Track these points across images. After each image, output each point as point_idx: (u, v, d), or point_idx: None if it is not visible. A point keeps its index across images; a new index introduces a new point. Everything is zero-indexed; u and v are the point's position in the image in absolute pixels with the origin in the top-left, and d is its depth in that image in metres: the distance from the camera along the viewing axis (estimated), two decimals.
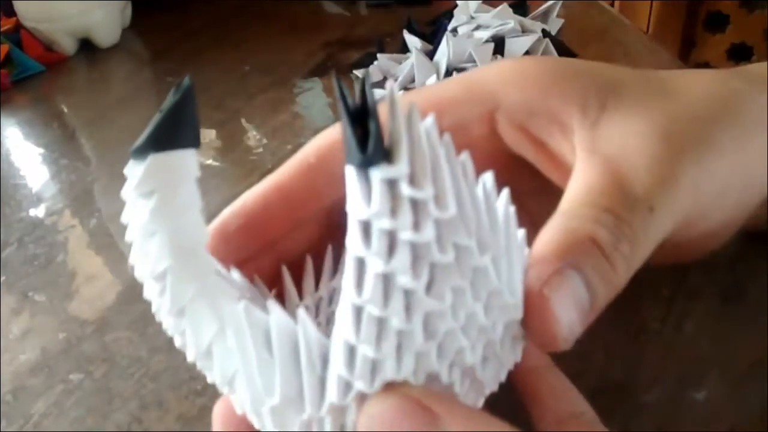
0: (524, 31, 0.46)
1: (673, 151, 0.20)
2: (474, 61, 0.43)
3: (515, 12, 0.47)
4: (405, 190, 0.14)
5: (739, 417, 0.23)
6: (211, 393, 0.27)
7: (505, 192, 0.17)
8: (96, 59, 0.58)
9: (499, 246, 0.16)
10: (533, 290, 0.17)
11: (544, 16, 0.49)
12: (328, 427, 0.16)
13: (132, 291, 0.33)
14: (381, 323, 0.14)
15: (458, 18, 0.48)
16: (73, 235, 0.37)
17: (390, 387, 0.15)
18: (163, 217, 0.15)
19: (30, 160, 0.46)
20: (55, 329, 0.31)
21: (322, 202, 0.23)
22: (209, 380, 0.17)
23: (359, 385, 0.15)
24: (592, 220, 0.19)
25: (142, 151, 0.15)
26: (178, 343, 0.17)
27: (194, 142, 0.15)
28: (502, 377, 0.18)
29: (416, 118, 0.14)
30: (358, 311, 0.14)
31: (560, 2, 0.50)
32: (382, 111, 0.14)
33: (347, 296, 0.14)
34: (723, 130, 0.21)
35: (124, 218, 0.16)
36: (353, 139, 0.14)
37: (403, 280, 0.14)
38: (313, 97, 0.47)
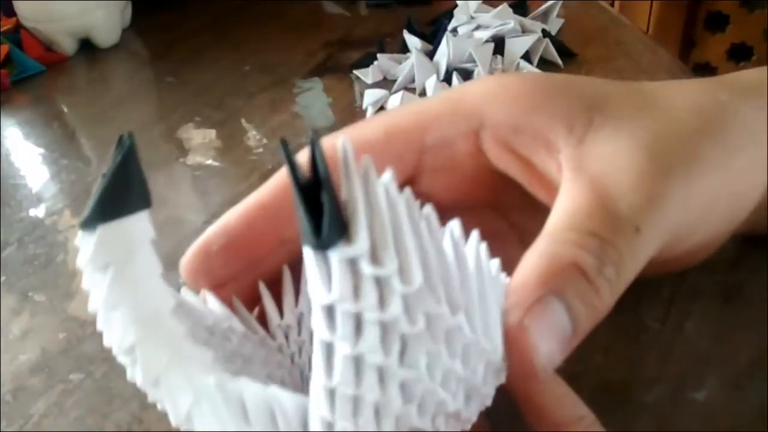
0: (524, 31, 0.46)
1: (660, 168, 0.20)
2: (474, 61, 0.43)
3: (515, 12, 0.48)
4: (366, 269, 0.13)
5: (739, 417, 0.23)
6: None
7: (475, 234, 0.17)
8: (96, 59, 0.58)
9: (472, 299, 0.15)
10: (512, 322, 0.17)
11: (544, 16, 0.49)
12: None
13: None
14: (355, 400, 0.14)
15: (458, 18, 0.48)
16: (73, 235, 0.37)
17: None
18: (122, 290, 0.14)
19: (30, 160, 0.46)
20: (55, 329, 0.31)
21: None
22: None
23: None
24: (576, 245, 0.18)
25: (90, 223, 0.14)
26: (160, 408, 0.16)
27: (144, 204, 0.14)
28: (488, 402, 0.18)
29: (373, 177, 0.13)
30: (331, 393, 0.14)
31: (560, 2, 0.50)
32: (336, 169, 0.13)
33: (318, 379, 0.14)
34: (710, 145, 0.21)
35: (84, 287, 0.15)
36: (306, 219, 0.13)
37: (374, 358, 0.14)
38: (313, 97, 0.47)
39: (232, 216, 0.22)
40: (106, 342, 0.16)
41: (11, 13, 0.58)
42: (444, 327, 0.15)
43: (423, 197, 0.22)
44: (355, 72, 0.48)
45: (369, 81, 0.46)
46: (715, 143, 0.21)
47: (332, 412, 0.14)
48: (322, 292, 0.13)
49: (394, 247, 0.13)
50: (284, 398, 0.15)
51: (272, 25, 0.59)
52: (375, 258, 0.13)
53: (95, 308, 0.15)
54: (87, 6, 0.56)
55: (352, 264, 0.13)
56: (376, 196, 0.13)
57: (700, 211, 0.21)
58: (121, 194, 0.14)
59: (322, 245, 0.13)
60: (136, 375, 0.15)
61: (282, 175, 0.23)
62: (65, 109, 0.52)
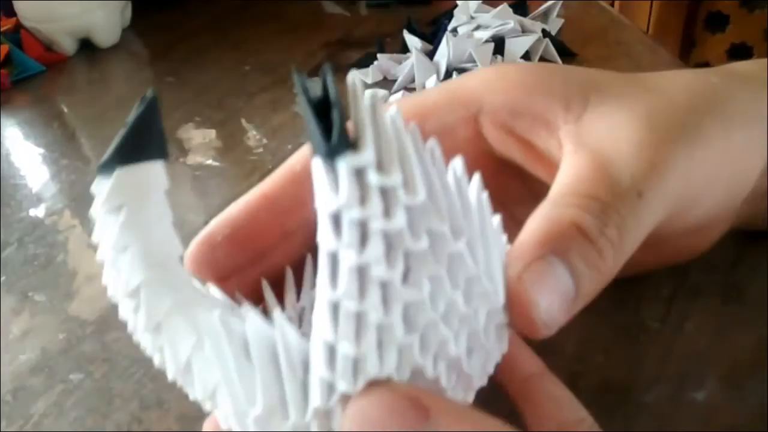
0: (524, 31, 0.46)
1: (661, 138, 0.20)
2: (474, 61, 0.43)
3: (515, 12, 0.47)
4: (373, 177, 0.13)
5: (739, 417, 0.23)
6: None
7: (476, 178, 0.17)
8: (96, 59, 0.58)
9: (474, 230, 0.16)
10: (512, 276, 0.17)
11: (544, 16, 0.49)
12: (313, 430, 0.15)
13: None
14: (359, 318, 0.14)
15: (458, 18, 0.48)
16: (73, 235, 0.37)
17: (374, 385, 0.15)
18: (133, 231, 0.15)
19: (30, 160, 0.46)
20: (55, 329, 0.31)
21: (308, 211, 0.22)
22: (191, 397, 0.17)
23: (342, 386, 0.14)
24: (577, 207, 0.18)
25: (108, 166, 0.14)
26: (157, 361, 0.16)
27: (161, 154, 0.15)
28: (490, 369, 0.18)
29: (380, 107, 0.14)
30: (335, 307, 0.14)
31: (560, 2, 0.50)
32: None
33: (323, 294, 0.14)
34: (708, 120, 0.21)
35: (95, 238, 0.16)
36: (317, 129, 0.13)
37: (378, 270, 0.14)
38: None
39: (236, 207, 0.22)
40: (111, 290, 0.16)
41: (11, 13, 0.58)
42: (447, 251, 0.15)
43: None
44: (355, 72, 0.48)
45: (369, 81, 0.46)
46: (713, 119, 0.22)
47: (335, 331, 0.14)
48: (330, 197, 0.13)
49: (399, 163, 0.14)
50: (290, 336, 0.15)
51: (272, 25, 0.59)
52: (381, 169, 0.14)
53: (103, 256, 0.15)
54: (87, 6, 0.56)
55: (359, 174, 0.13)
56: (383, 120, 0.14)
57: (702, 183, 0.21)
58: (141, 141, 0.14)
59: (331, 153, 0.13)
60: (137, 323, 0.15)
61: (285, 167, 0.23)
62: (65, 109, 0.52)
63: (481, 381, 0.18)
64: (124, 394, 0.27)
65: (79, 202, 0.40)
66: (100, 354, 0.29)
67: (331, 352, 0.14)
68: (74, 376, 0.29)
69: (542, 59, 0.46)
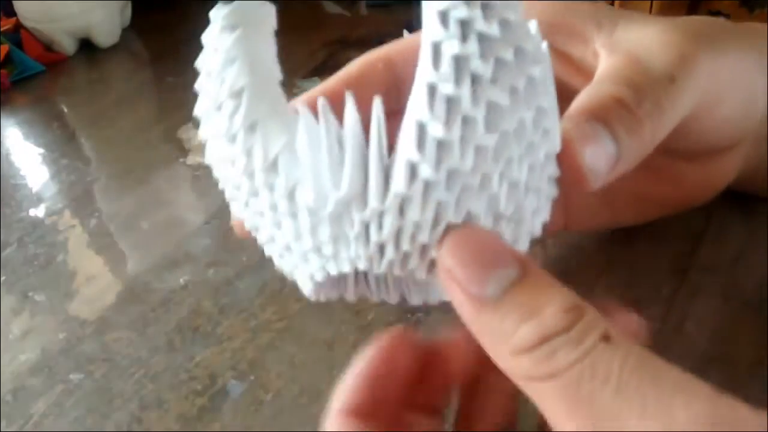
0: None
1: (687, 39, 0.23)
2: None
3: None
4: None
5: None
6: (211, 393, 0.27)
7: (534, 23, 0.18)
8: (96, 59, 0.58)
9: (545, 69, 0.17)
10: (564, 129, 0.19)
11: None
12: (386, 226, 0.16)
13: (132, 291, 0.33)
14: (451, 102, 0.15)
15: None
16: (73, 235, 0.37)
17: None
18: (245, 45, 0.17)
19: (30, 160, 0.46)
20: (55, 329, 0.31)
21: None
22: (259, 208, 0.18)
23: (425, 171, 0.15)
24: (617, 84, 0.21)
25: None
26: (242, 153, 0.17)
27: (273, 3, 0.18)
28: (544, 217, 0.19)
29: None
30: (432, 89, 0.15)
31: None
32: None
33: (422, 77, 0.15)
34: (725, 35, 0.24)
35: (199, 63, 0.18)
36: None
37: (475, 64, 0.15)
38: None
39: (314, 90, 0.24)
40: (207, 104, 0.17)
41: (11, 13, 0.58)
42: (526, 72, 0.16)
43: None
44: None
45: None
46: (729, 36, 0.24)
47: (430, 112, 0.15)
48: None
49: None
50: (382, 124, 0.16)
51: None
52: None
53: (210, 69, 0.17)
54: (87, 6, 0.56)
55: None
56: None
57: (724, 82, 0.23)
58: None
59: None
60: (233, 121, 0.17)
61: (366, 59, 0.25)
62: (65, 109, 0.52)
63: (533, 228, 0.18)
64: (124, 394, 0.27)
65: (79, 202, 0.40)
66: (100, 354, 0.29)
67: (422, 132, 0.15)
68: (74, 376, 0.29)
69: None
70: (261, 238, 0.19)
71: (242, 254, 0.33)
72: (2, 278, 0.35)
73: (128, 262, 0.35)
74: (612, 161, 0.20)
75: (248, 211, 0.18)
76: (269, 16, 0.18)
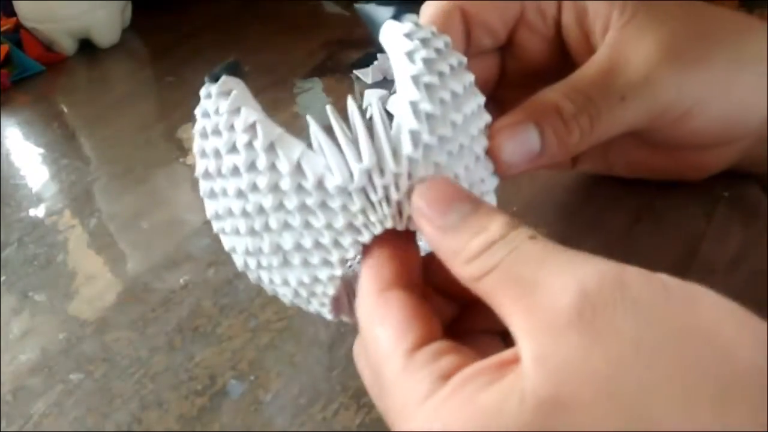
0: None
1: (668, 60, 0.25)
2: None
3: None
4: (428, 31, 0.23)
5: None
6: (211, 393, 0.27)
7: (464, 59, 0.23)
8: (96, 59, 0.58)
9: (470, 91, 0.22)
10: (495, 127, 0.23)
11: None
12: (402, 186, 0.20)
13: (132, 291, 0.33)
14: (430, 88, 0.21)
15: None
16: (73, 235, 0.37)
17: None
18: (243, 99, 0.21)
19: (30, 160, 0.46)
20: (55, 329, 0.31)
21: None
22: (281, 219, 0.21)
23: (425, 137, 0.20)
24: (563, 95, 0.25)
25: (216, 75, 0.22)
26: (261, 183, 0.21)
27: (243, 77, 0.23)
28: (491, 183, 0.24)
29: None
30: (416, 79, 0.21)
31: None
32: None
33: (404, 73, 0.21)
34: (717, 48, 0.26)
35: (197, 130, 0.22)
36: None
37: (438, 64, 0.21)
38: (313, 97, 0.47)
39: None
40: (222, 143, 0.21)
41: (11, 13, 0.58)
42: (464, 82, 0.22)
43: (517, 48, 0.29)
44: (355, 72, 0.48)
45: (369, 81, 0.46)
46: (721, 45, 0.26)
47: (419, 92, 0.20)
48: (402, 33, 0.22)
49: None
50: (382, 110, 0.20)
51: (272, 25, 0.59)
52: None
53: (214, 125, 0.22)
54: (87, 6, 0.56)
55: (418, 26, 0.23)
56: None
57: (708, 92, 0.26)
58: (234, 69, 0.23)
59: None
60: (253, 147, 0.21)
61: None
62: (65, 109, 0.52)
63: (490, 183, 0.23)
64: (124, 394, 0.27)
65: (79, 202, 0.40)
66: (100, 354, 0.29)
67: (415, 108, 0.20)
68: (74, 376, 0.29)
69: None
70: (277, 262, 0.22)
71: None
72: (2, 278, 0.35)
73: (128, 262, 0.35)
74: (533, 155, 0.24)
75: (264, 241, 0.22)
76: (245, 87, 0.22)
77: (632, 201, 0.32)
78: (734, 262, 0.28)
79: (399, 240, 0.21)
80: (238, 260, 0.23)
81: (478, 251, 0.18)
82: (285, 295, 0.23)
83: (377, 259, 0.20)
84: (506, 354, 0.16)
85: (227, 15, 0.61)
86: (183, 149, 0.43)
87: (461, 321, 0.22)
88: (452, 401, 0.16)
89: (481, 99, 0.23)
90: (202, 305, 0.31)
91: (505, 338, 0.20)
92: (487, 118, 0.23)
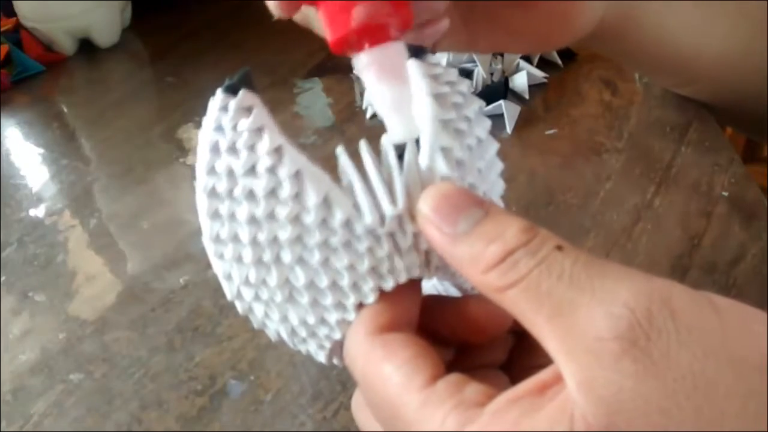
0: None
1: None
2: (474, 61, 0.43)
3: None
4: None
5: None
6: (211, 393, 0.27)
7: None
8: (96, 59, 0.58)
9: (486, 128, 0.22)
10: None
11: None
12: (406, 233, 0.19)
13: (132, 291, 0.33)
14: (459, 135, 0.20)
15: None
16: (73, 235, 0.37)
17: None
18: (263, 117, 0.20)
19: (30, 160, 0.46)
20: (55, 329, 0.31)
21: None
22: (298, 254, 0.20)
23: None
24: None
25: (233, 88, 0.21)
26: (281, 213, 0.19)
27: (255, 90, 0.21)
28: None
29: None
30: (446, 125, 0.20)
31: None
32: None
33: (433, 114, 0.20)
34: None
35: (208, 143, 0.21)
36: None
37: (454, 96, 0.21)
38: (313, 97, 0.47)
39: None
40: (245, 163, 0.20)
41: (11, 13, 0.58)
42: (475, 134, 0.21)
43: None
44: (355, 72, 0.48)
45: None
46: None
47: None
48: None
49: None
50: (392, 151, 0.20)
51: (272, 25, 0.58)
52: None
53: (239, 143, 0.20)
54: (87, 6, 0.56)
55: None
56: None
57: None
58: (247, 81, 0.21)
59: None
60: (277, 173, 0.19)
61: None
62: (65, 109, 0.52)
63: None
64: (124, 394, 0.27)
65: (79, 202, 0.40)
66: (100, 354, 0.29)
67: (448, 155, 0.19)
68: (74, 376, 0.29)
69: (542, 59, 0.46)
70: (283, 297, 0.21)
71: None
72: (2, 278, 0.35)
73: (128, 262, 0.35)
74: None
75: (271, 274, 0.20)
76: (263, 105, 0.21)
77: (632, 201, 0.32)
78: (734, 262, 0.28)
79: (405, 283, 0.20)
80: (231, 288, 0.22)
81: (496, 260, 0.17)
82: (278, 331, 0.22)
83: (379, 302, 0.19)
84: (544, 375, 0.16)
85: (227, 15, 0.61)
86: (183, 149, 0.43)
87: (457, 362, 0.21)
88: (495, 428, 0.15)
89: (496, 145, 0.22)
90: (202, 305, 0.31)
91: (505, 370, 0.20)
92: (500, 165, 0.22)
